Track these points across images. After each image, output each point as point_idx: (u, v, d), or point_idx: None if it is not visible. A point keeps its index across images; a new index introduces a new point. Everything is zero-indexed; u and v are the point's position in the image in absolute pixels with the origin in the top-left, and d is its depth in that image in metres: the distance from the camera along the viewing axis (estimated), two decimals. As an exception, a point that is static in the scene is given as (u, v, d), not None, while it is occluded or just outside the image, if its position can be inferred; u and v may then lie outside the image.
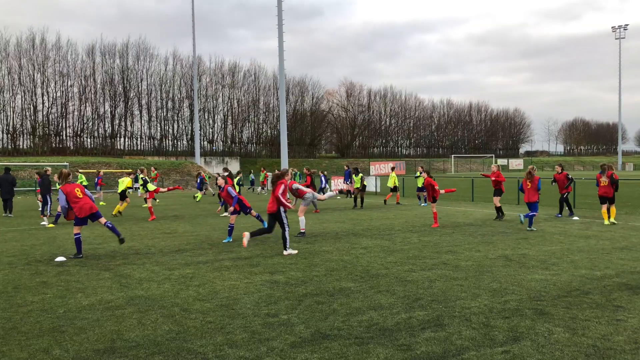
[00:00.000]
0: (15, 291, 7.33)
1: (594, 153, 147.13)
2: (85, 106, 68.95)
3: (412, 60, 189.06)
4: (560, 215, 16.50)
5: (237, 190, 17.67)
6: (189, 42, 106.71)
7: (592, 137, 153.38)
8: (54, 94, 66.47)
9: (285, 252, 10.12)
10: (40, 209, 18.09)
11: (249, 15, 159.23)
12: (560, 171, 16.95)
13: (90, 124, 69.62)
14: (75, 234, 10.13)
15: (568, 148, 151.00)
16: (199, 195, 26.25)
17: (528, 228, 13.29)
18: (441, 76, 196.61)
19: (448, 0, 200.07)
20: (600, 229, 13.33)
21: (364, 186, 21.71)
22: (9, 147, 63.15)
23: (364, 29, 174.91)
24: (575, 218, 16.03)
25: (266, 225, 11.00)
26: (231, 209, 12.43)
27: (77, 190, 10.04)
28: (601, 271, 8.15)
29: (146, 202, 20.11)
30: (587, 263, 8.81)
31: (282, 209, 10.29)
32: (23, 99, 64.61)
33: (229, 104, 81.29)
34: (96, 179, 28.18)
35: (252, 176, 38.85)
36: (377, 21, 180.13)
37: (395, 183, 23.27)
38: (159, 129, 75.17)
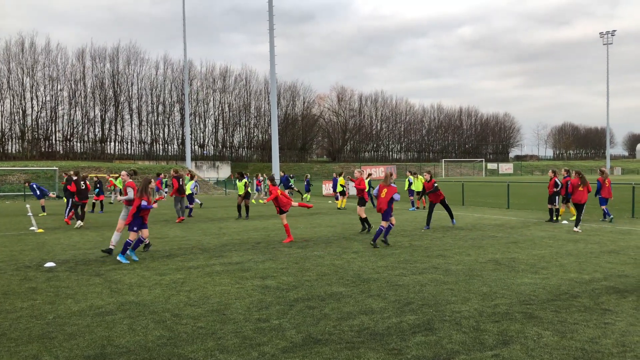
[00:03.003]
0: (4, 297, 7.27)
1: (582, 157, 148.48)
2: (75, 110, 68.71)
3: (404, 64, 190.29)
4: (428, 228, 15.08)
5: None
6: (180, 46, 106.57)
7: (581, 142, 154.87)
8: (44, 98, 66.12)
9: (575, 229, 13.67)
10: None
11: (242, 19, 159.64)
12: (428, 179, 15.74)
13: (80, 128, 69.27)
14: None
15: (557, 152, 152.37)
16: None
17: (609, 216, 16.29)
18: (434, 81, 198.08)
19: (440, 5, 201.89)
20: (588, 234, 13.47)
21: (247, 193, 19.48)
22: (-3, 151, 62.65)
23: (357, 34, 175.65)
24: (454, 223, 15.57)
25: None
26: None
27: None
28: (589, 275, 8.24)
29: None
30: (575, 267, 8.90)
31: None
32: (12, 103, 64.21)
33: (220, 108, 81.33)
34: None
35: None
36: (369, 26, 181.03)
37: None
38: (149, 133, 75.00)
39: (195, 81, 77.59)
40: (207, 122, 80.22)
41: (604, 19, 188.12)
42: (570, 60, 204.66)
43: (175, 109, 76.33)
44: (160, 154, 74.86)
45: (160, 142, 75.83)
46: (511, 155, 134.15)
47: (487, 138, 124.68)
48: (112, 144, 72.40)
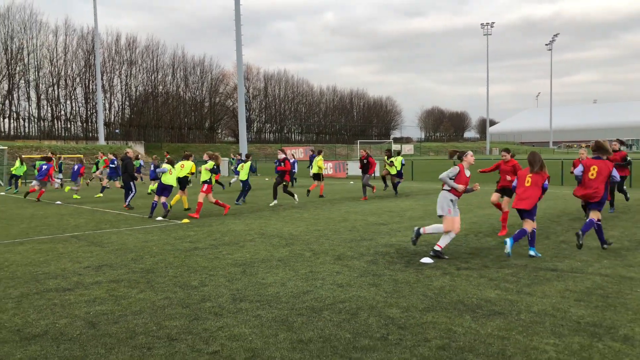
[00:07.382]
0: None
1: (445, 139, 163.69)
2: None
3: (270, 46, 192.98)
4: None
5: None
6: (82, 8, 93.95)
7: (446, 124, 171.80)
8: None
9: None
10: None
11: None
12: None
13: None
14: None
15: (427, 134, 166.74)
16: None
17: None
18: (298, 64, 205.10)
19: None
20: None
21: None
22: None
23: (224, 13, 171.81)
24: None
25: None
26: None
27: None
28: None
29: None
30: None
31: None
32: None
33: (126, 83, 75.77)
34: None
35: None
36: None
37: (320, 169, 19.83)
38: (49, 110, 67.53)
39: (99, 52, 71.24)
40: (112, 99, 74.13)
41: (453, 14, 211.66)
42: (420, 49, 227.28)
43: (76, 82, 69.36)
44: (62, 133, 67.81)
45: (62, 120, 68.58)
46: (392, 137, 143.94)
47: (372, 120, 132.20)
48: (7, 121, 63.80)
